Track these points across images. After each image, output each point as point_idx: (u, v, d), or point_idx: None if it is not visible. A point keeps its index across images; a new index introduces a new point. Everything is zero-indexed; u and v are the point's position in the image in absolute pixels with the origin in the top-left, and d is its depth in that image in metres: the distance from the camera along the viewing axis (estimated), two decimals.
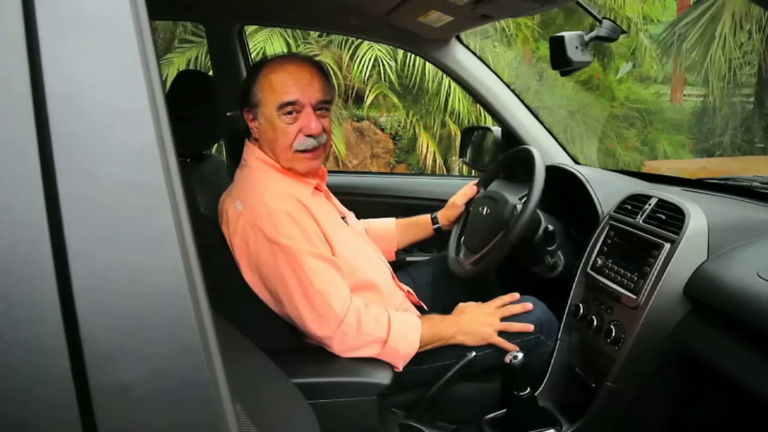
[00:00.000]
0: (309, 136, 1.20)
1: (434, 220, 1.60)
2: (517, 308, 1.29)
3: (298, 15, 1.87)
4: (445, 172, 6.06)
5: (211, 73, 2.11)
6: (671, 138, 7.48)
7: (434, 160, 5.98)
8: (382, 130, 6.45)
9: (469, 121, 5.82)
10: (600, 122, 7.03)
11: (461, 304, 1.31)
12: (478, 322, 1.26)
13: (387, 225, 1.61)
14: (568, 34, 1.17)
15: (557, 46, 1.17)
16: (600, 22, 1.18)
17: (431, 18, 1.43)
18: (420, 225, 1.61)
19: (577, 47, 1.15)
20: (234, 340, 0.92)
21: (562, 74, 1.26)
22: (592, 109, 7.00)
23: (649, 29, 7.91)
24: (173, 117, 1.33)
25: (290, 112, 1.18)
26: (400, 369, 1.18)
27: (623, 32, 1.22)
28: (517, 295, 1.32)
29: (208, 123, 1.40)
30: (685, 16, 7.40)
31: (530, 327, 1.28)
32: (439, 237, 1.62)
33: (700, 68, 7.10)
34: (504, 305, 1.30)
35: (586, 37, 1.17)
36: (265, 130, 1.21)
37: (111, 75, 0.38)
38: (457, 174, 5.89)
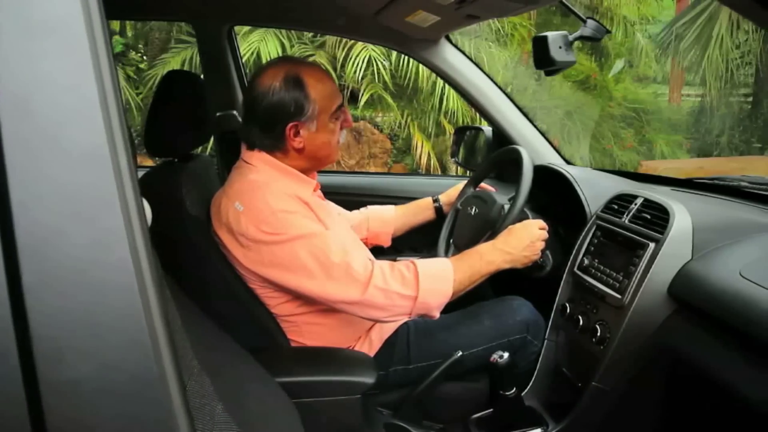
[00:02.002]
0: (345, 128, 1.32)
1: (436, 201, 1.66)
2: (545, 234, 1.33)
3: (286, 16, 1.86)
4: (440, 172, 6.06)
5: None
6: (668, 138, 7.48)
7: (429, 160, 5.98)
8: (380, 130, 6.44)
9: (464, 120, 5.82)
10: (597, 122, 7.04)
11: (515, 226, 1.32)
12: (524, 244, 1.29)
13: (385, 207, 1.67)
14: (551, 34, 1.17)
15: (541, 45, 1.17)
16: (584, 21, 1.18)
17: (418, 18, 1.43)
18: (420, 205, 1.67)
19: (560, 47, 1.15)
20: (218, 340, 0.93)
21: (547, 74, 1.27)
22: (589, 109, 7.00)
23: (648, 29, 7.91)
24: (164, 117, 1.31)
25: (339, 114, 1.27)
26: (437, 317, 1.22)
27: (608, 32, 1.22)
28: (544, 225, 1.35)
29: (196, 123, 1.40)
30: (683, 15, 7.40)
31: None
32: (441, 218, 1.64)
33: (698, 68, 7.10)
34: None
35: (570, 37, 1.17)
36: (317, 137, 1.23)
37: (62, 77, 0.38)
38: (453, 174, 5.90)
